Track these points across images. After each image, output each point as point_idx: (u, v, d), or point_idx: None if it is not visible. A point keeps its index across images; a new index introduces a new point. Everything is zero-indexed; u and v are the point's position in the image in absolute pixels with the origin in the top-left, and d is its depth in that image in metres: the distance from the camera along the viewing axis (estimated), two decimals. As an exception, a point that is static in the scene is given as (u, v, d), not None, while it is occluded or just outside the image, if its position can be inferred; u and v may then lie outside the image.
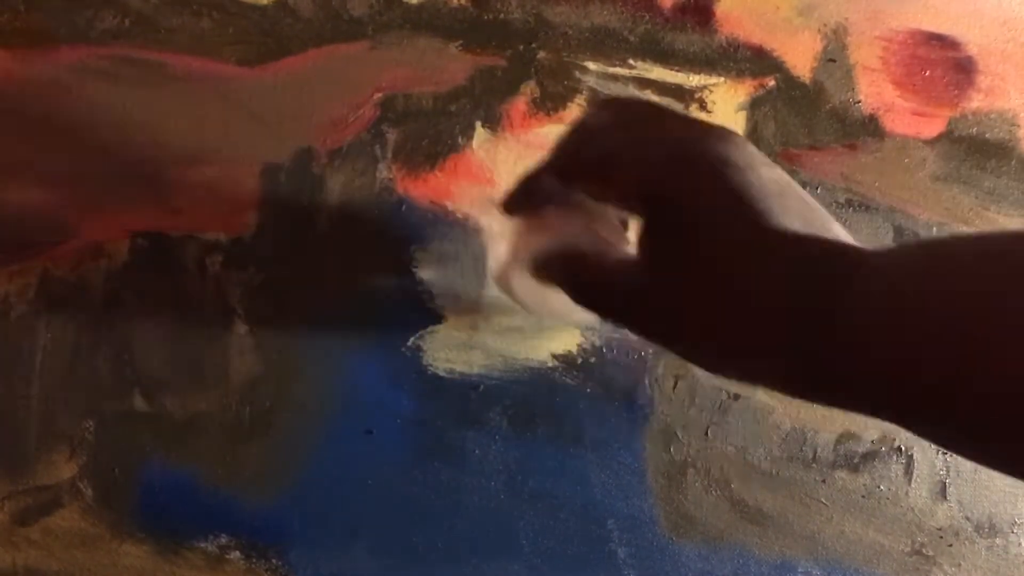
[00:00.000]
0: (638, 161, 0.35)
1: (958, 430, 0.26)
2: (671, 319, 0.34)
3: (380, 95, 0.50)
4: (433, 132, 0.51)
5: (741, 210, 0.32)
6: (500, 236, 0.43)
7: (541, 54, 0.52)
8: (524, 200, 0.42)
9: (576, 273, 0.38)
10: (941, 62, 0.55)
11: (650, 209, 0.34)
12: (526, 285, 0.42)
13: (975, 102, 0.55)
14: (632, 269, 0.35)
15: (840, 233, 0.32)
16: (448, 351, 0.51)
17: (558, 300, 0.39)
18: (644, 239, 0.34)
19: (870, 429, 0.54)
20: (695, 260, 0.32)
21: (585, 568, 0.52)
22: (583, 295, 0.37)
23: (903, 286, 0.28)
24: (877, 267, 0.29)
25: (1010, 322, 0.24)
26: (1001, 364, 0.24)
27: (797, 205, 0.32)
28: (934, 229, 0.55)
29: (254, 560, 0.50)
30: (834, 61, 0.54)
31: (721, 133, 0.34)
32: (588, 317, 0.41)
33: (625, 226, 0.41)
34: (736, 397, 0.53)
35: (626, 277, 0.35)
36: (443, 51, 0.51)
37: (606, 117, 0.38)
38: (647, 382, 0.52)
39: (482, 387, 0.51)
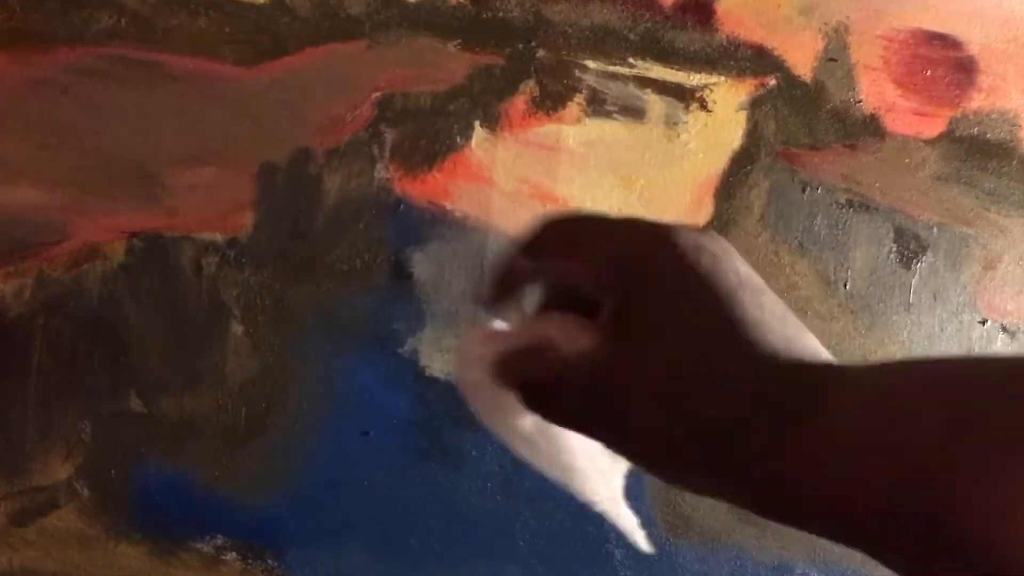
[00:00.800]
0: (611, 234, 0.33)
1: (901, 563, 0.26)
2: (623, 417, 0.31)
3: (378, 94, 0.50)
4: (431, 132, 0.51)
5: (715, 301, 0.30)
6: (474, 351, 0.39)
7: (540, 53, 0.51)
8: (502, 290, 0.39)
9: (529, 370, 0.33)
10: (942, 62, 0.55)
11: (616, 288, 0.32)
12: (483, 390, 0.38)
13: (976, 102, 0.55)
14: (589, 361, 0.31)
15: (811, 342, 0.31)
16: (445, 353, 0.51)
17: (508, 406, 0.35)
18: (606, 324, 0.32)
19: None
20: (657, 350, 0.30)
21: (582, 569, 0.52)
22: (534, 396, 0.33)
23: (862, 417, 0.27)
24: (846, 388, 0.28)
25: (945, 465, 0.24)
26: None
27: (772, 306, 0.31)
28: (934, 229, 0.55)
29: (250, 561, 0.50)
30: (835, 60, 0.54)
31: (697, 227, 0.33)
32: (528, 427, 0.38)
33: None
34: (734, 398, 0.53)
35: (581, 369, 0.32)
36: (441, 50, 0.51)
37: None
38: (645, 384, 0.52)
39: (479, 388, 0.51)
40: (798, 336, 0.30)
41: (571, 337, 0.32)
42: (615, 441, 0.31)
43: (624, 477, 0.35)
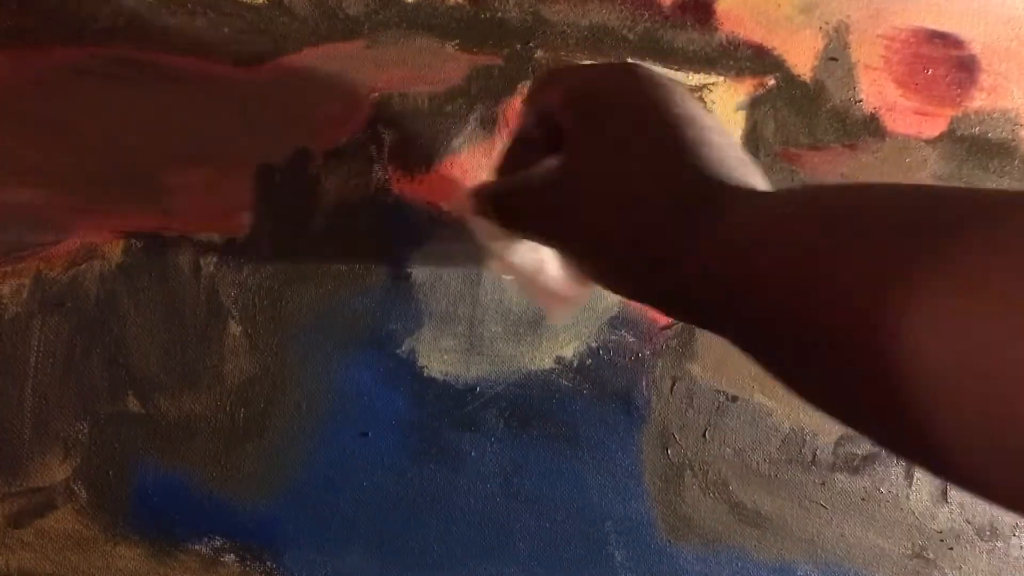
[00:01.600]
0: (579, 70, 0.41)
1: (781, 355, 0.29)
2: (569, 218, 0.35)
3: (376, 95, 0.50)
4: (429, 133, 0.50)
5: (658, 126, 0.34)
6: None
7: (539, 53, 0.51)
8: (516, 150, 0.44)
9: (501, 194, 0.40)
10: (943, 61, 0.54)
11: (576, 110, 0.36)
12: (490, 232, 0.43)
13: (978, 101, 0.55)
14: (549, 176, 0.37)
15: (753, 178, 0.33)
16: (443, 353, 0.51)
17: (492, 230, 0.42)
18: (565, 143, 0.36)
19: (870, 432, 0.53)
20: (601, 163, 0.34)
21: (582, 571, 0.52)
22: (504, 213, 0.39)
23: (760, 232, 0.29)
24: (749, 203, 0.31)
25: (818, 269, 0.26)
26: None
27: (717, 142, 0.34)
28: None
29: (248, 562, 0.50)
30: (835, 60, 0.54)
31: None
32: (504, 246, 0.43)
33: None
34: (734, 399, 0.53)
35: (542, 184, 0.37)
36: (439, 50, 0.50)
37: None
38: (644, 384, 0.52)
39: (478, 389, 0.51)
40: (736, 168, 0.33)
41: (540, 165, 0.37)
42: (561, 242, 0.37)
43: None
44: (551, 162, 0.36)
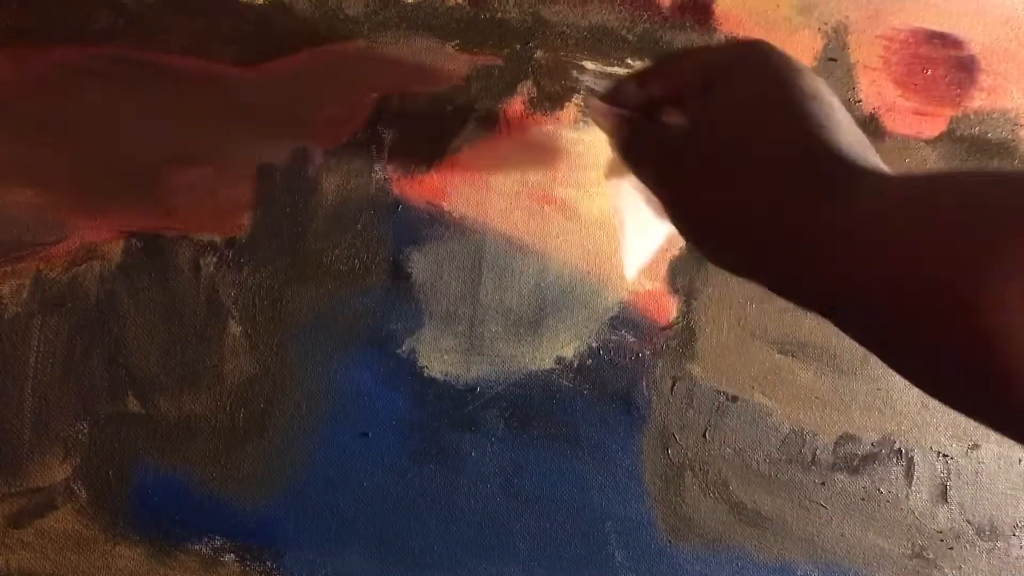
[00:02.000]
0: (704, 51, 0.41)
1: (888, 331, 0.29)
2: (686, 181, 0.36)
3: (376, 95, 0.50)
4: (429, 132, 0.50)
5: (784, 103, 0.34)
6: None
7: (538, 53, 0.51)
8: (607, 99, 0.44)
9: (628, 133, 0.41)
10: (943, 61, 0.54)
11: (705, 87, 0.37)
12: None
13: (977, 101, 0.55)
14: (675, 134, 0.37)
15: (873, 158, 0.33)
16: (443, 353, 0.51)
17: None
18: (694, 110, 0.37)
19: (870, 431, 0.53)
20: (726, 134, 0.35)
21: (582, 571, 0.52)
22: (629, 150, 0.40)
23: (885, 213, 0.30)
24: (879, 188, 0.31)
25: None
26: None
27: (840, 119, 0.34)
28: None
29: (248, 562, 0.50)
30: (834, 60, 0.54)
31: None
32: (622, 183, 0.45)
33: None
34: (734, 399, 0.53)
35: (668, 138, 0.38)
36: (439, 51, 0.51)
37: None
38: (644, 384, 0.52)
39: (478, 389, 0.51)
40: (858, 148, 0.33)
41: (668, 118, 0.39)
42: (670, 202, 0.37)
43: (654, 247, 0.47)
44: (682, 123, 0.38)
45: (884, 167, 0.33)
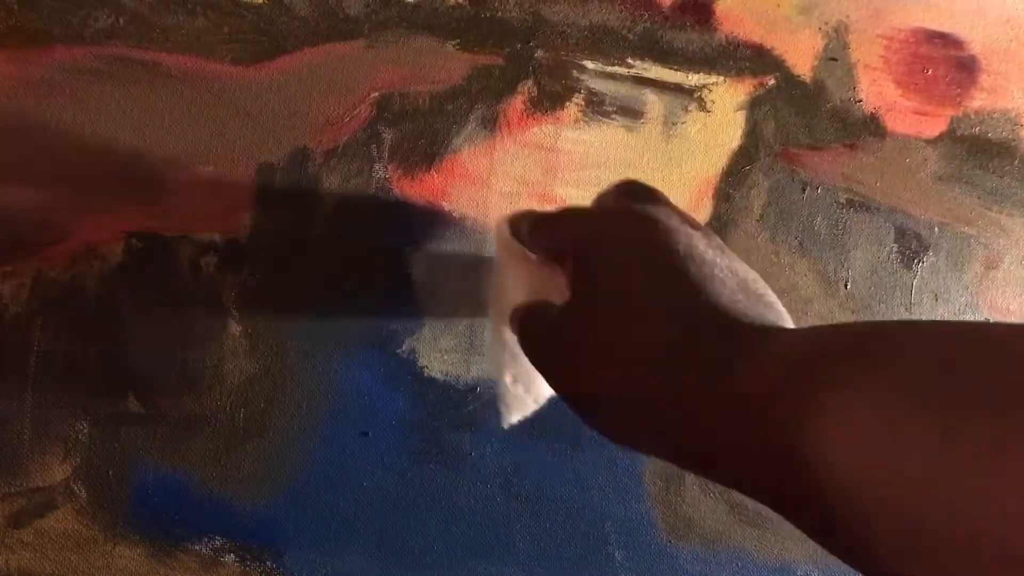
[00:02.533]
0: (574, 220, 0.40)
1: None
2: (568, 359, 0.35)
3: (376, 94, 0.50)
4: (429, 132, 0.50)
5: (658, 268, 0.33)
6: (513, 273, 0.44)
7: (539, 53, 0.51)
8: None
9: (525, 317, 0.40)
10: (943, 61, 0.54)
11: (576, 262, 0.36)
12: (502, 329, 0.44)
13: (978, 101, 0.55)
14: (558, 314, 0.37)
15: (772, 315, 0.32)
16: (444, 353, 0.51)
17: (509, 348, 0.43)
18: (572, 290, 0.36)
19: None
20: (599, 313, 0.34)
21: (582, 571, 0.52)
22: (523, 337, 0.40)
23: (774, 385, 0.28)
24: (761, 357, 0.29)
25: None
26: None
27: (722, 278, 0.33)
28: (936, 229, 0.55)
29: (248, 563, 0.50)
30: (835, 60, 0.54)
31: (661, 206, 0.38)
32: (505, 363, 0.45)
33: None
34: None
35: (552, 315, 0.37)
36: (440, 50, 0.50)
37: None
38: (644, 384, 0.52)
39: (478, 389, 0.51)
40: (751, 306, 0.32)
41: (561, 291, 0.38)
42: (557, 382, 0.37)
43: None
44: (561, 304, 0.37)
45: (780, 320, 0.32)
